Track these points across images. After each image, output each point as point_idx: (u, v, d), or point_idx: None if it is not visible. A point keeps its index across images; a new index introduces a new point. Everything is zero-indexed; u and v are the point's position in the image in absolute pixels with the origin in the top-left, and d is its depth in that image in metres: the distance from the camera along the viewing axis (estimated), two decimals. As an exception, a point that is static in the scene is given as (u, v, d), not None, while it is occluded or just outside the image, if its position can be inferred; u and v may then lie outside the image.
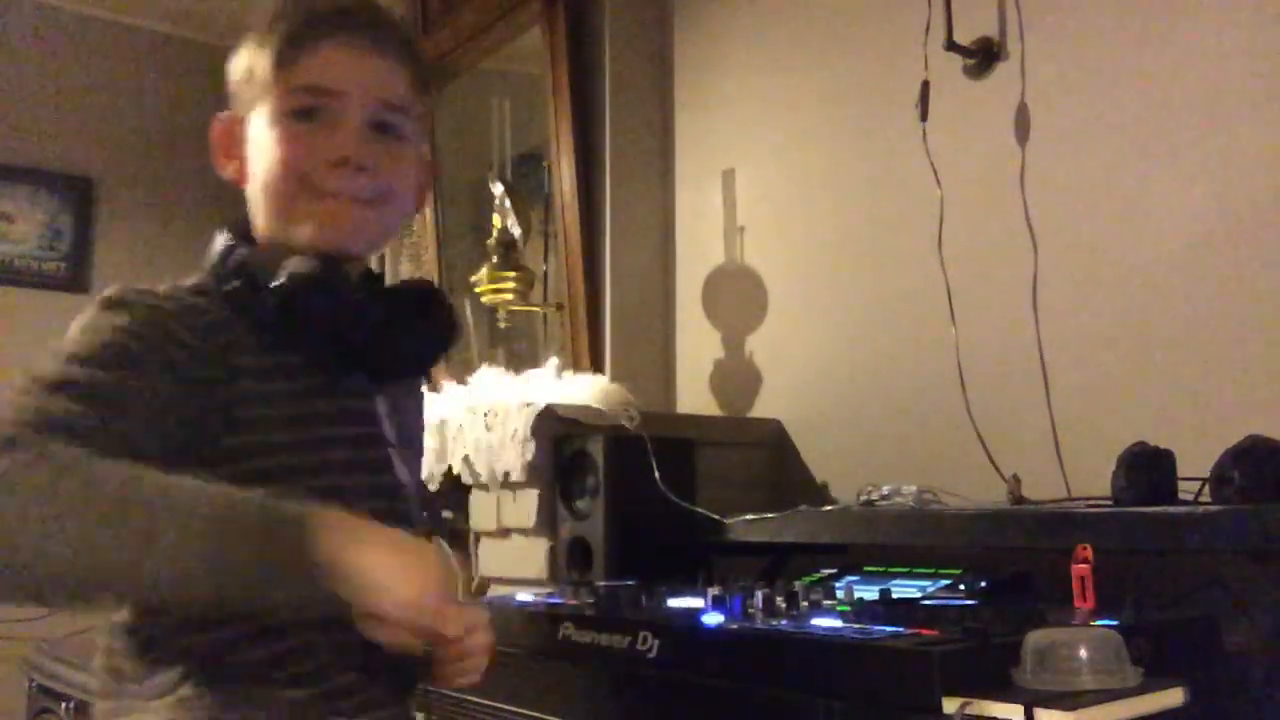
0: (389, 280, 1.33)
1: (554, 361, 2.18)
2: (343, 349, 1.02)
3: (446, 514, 2.09)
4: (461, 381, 2.23)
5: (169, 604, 0.86)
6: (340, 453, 1.01)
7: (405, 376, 1.13)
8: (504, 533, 1.97)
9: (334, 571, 0.76)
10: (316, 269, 0.98)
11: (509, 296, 2.58)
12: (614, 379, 2.10)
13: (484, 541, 2.02)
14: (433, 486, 2.05)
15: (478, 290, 2.58)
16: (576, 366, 2.43)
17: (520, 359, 2.63)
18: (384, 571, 0.78)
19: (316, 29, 1.02)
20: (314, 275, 0.98)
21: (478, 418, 1.98)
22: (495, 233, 2.61)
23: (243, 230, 1.07)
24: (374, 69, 1.04)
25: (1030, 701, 0.89)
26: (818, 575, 1.61)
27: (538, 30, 2.65)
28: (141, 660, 0.94)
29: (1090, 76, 1.78)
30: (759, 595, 1.25)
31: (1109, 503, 1.39)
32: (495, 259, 2.59)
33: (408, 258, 3.11)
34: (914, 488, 1.67)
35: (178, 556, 0.74)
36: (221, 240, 1.05)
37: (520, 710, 1.33)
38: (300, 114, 1.02)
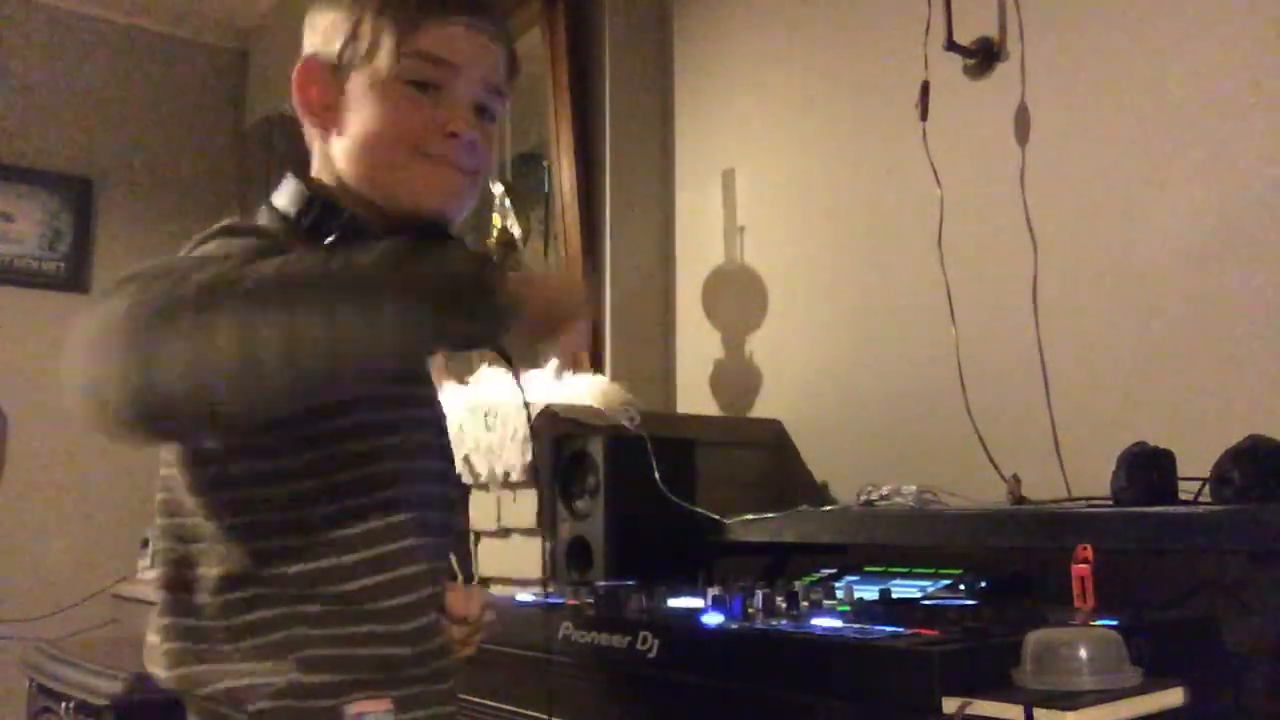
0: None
1: (554, 361, 2.17)
2: None
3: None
4: (462, 381, 2.23)
5: (369, 366, 0.86)
6: (425, 436, 1.02)
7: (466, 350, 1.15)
8: (504, 533, 1.97)
9: (505, 296, 0.89)
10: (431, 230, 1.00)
11: (509, 297, 2.58)
12: (614, 379, 2.10)
13: (484, 541, 2.02)
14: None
15: (478, 290, 2.58)
16: (576, 367, 2.43)
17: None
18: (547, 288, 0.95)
19: (446, 4, 1.03)
20: (433, 237, 0.97)
21: (478, 418, 1.98)
22: (495, 233, 2.61)
23: (307, 179, 1.05)
24: (489, 52, 1.05)
25: (1030, 701, 0.89)
26: (818, 575, 1.61)
27: (538, 30, 2.65)
28: (236, 618, 0.92)
29: (1090, 76, 1.78)
30: (759, 595, 1.25)
31: (1109, 503, 1.39)
32: (495, 259, 2.59)
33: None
34: (914, 488, 1.67)
35: (387, 321, 0.81)
36: (296, 187, 1.03)
37: (520, 710, 1.33)
38: (416, 82, 1.02)
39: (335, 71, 1.03)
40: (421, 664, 0.96)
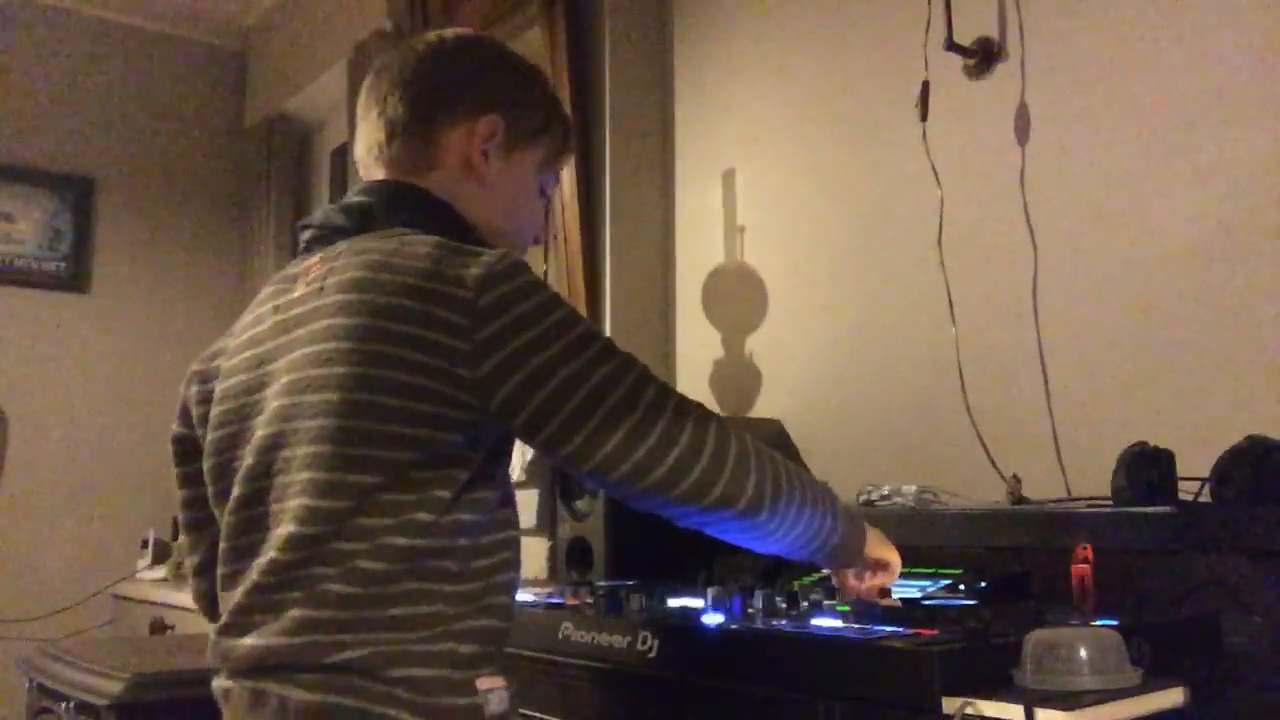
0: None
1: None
2: None
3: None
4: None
5: (792, 548, 1.14)
6: None
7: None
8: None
9: (862, 545, 1.21)
10: None
11: (509, 296, 2.58)
12: (614, 379, 2.09)
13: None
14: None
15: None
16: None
17: (520, 359, 2.63)
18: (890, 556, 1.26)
19: (571, 143, 1.30)
20: None
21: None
22: (495, 233, 2.61)
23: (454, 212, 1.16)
24: None
25: (1030, 701, 0.89)
26: (818, 575, 1.60)
27: (538, 30, 2.65)
28: (387, 591, 0.96)
29: (1090, 76, 1.78)
30: (759, 595, 1.25)
31: (1109, 503, 1.39)
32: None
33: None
34: (914, 488, 1.67)
35: (828, 520, 1.14)
36: (457, 219, 1.14)
37: (520, 710, 1.33)
38: (542, 191, 1.26)
39: (508, 138, 1.19)
40: (510, 637, 1.06)
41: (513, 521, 1.07)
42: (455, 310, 0.97)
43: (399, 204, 1.12)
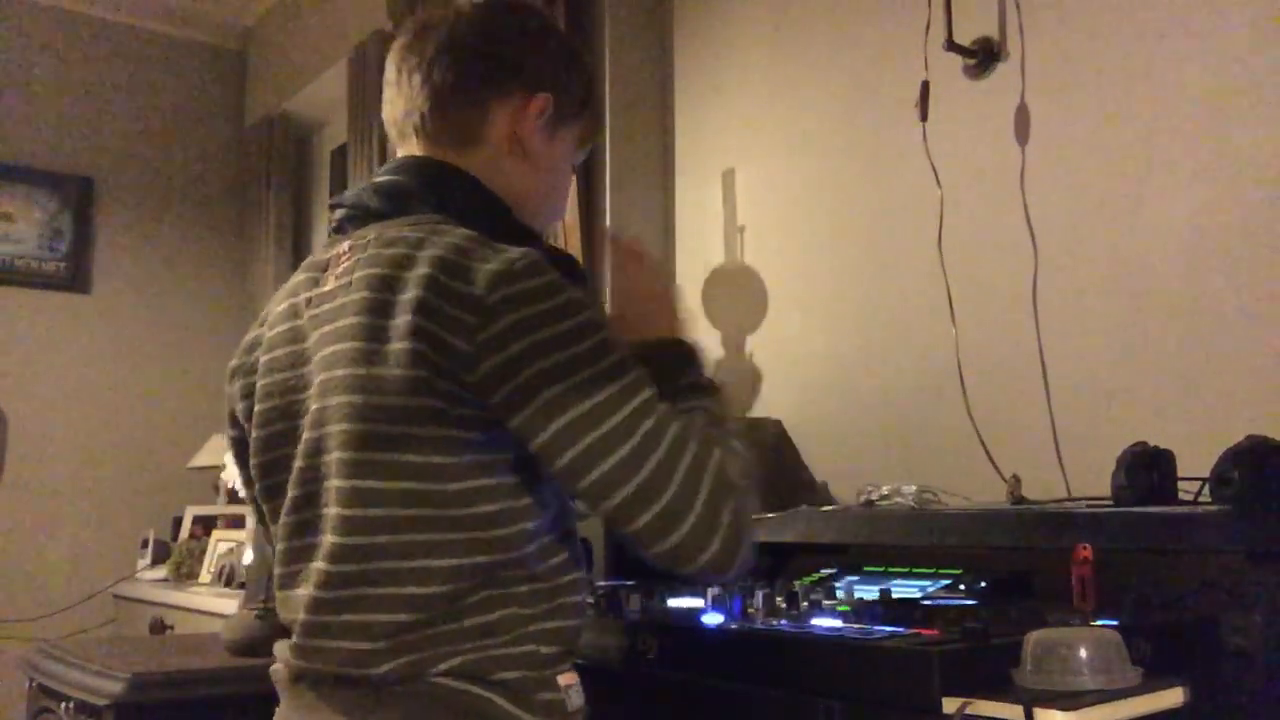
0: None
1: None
2: None
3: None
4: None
5: None
6: None
7: None
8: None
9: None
10: None
11: (509, 296, 2.58)
12: (614, 379, 2.09)
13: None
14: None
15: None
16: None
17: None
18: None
19: (603, 122, 1.32)
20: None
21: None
22: (495, 233, 2.61)
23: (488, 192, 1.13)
24: None
25: (1030, 701, 0.89)
26: (818, 575, 1.61)
27: (538, 30, 2.64)
28: (460, 604, 0.96)
29: (1090, 76, 1.78)
30: (759, 595, 1.26)
31: (1109, 503, 1.39)
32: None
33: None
34: (914, 488, 1.67)
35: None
36: (492, 200, 1.11)
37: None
38: (574, 168, 1.27)
39: (555, 115, 1.17)
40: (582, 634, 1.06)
41: (570, 518, 1.06)
42: (463, 307, 0.93)
43: (435, 187, 1.08)
